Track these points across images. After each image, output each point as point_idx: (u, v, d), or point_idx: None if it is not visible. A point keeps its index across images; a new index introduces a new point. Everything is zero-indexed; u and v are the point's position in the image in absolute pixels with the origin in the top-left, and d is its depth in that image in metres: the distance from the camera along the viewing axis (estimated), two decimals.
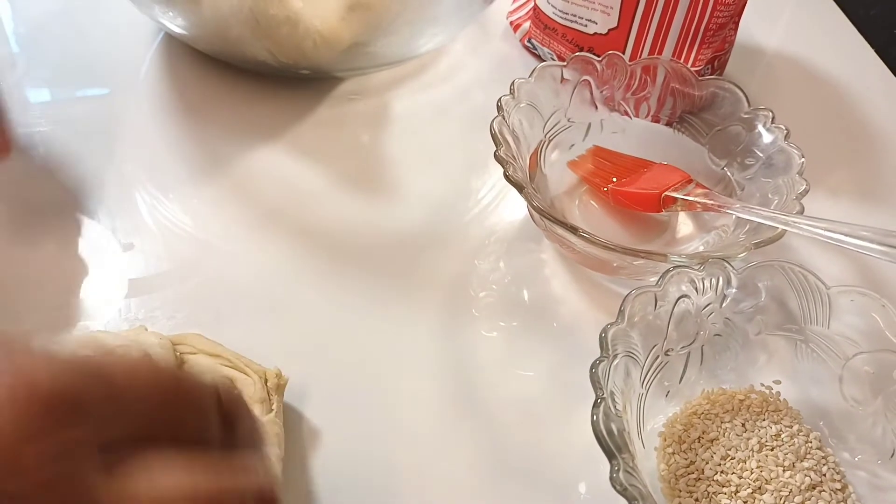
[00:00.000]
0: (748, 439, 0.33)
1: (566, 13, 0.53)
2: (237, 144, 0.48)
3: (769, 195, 0.40)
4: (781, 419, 0.34)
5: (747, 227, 0.39)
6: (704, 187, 0.42)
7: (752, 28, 0.61)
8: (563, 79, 0.44)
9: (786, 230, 0.36)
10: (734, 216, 0.40)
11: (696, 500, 0.32)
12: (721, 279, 0.34)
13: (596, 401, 0.29)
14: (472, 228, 0.44)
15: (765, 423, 0.34)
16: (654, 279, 0.34)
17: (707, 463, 0.32)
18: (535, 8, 0.55)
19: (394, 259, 0.42)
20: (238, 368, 0.32)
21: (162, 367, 0.20)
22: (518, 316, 0.40)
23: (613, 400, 0.30)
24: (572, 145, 0.45)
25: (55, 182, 0.44)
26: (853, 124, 0.55)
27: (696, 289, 0.34)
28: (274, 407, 0.32)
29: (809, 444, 0.33)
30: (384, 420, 0.35)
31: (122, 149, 0.47)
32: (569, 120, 0.45)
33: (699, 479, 0.32)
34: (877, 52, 0.62)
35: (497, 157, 0.38)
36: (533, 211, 0.39)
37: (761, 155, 0.42)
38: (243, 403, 0.22)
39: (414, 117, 0.52)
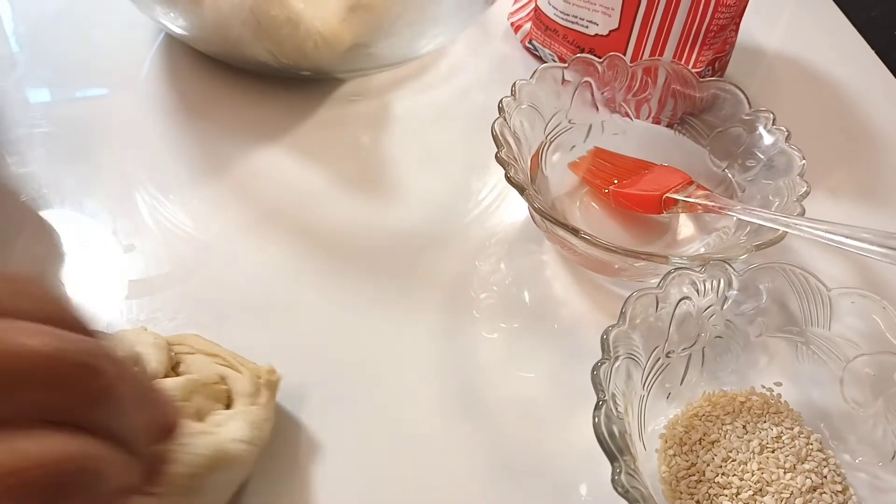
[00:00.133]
0: (749, 441, 0.33)
1: (567, 14, 0.53)
2: (238, 145, 0.48)
3: (770, 197, 0.40)
4: (782, 421, 0.34)
5: (748, 228, 0.39)
6: (705, 189, 0.42)
7: (753, 29, 0.61)
8: (564, 80, 0.44)
9: (787, 232, 0.36)
10: (735, 218, 0.40)
11: (697, 502, 0.32)
12: (722, 281, 0.35)
13: (597, 403, 0.29)
14: (472, 229, 0.44)
15: (766, 425, 0.34)
16: (655, 281, 0.34)
17: (708, 465, 0.32)
18: (536, 9, 0.55)
19: (394, 260, 0.42)
20: (232, 367, 0.33)
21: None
22: (519, 317, 0.40)
23: (615, 402, 0.30)
24: (573, 147, 0.46)
25: (53, 183, 0.44)
26: (854, 126, 0.55)
27: (698, 290, 0.34)
28: (261, 400, 0.32)
29: (810, 446, 0.33)
30: (384, 420, 0.35)
31: (122, 149, 0.47)
32: (570, 121, 0.45)
33: (700, 480, 0.32)
34: (877, 53, 0.62)
35: (498, 159, 0.38)
36: (534, 212, 0.39)
37: (762, 157, 0.42)
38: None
39: (414, 118, 0.52)
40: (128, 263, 0.41)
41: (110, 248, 0.41)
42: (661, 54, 0.51)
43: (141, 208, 0.44)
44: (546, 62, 0.51)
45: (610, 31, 0.51)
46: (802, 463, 0.33)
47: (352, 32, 0.46)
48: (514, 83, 0.42)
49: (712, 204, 0.40)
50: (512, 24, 0.59)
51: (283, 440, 0.34)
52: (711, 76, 0.52)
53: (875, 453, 0.33)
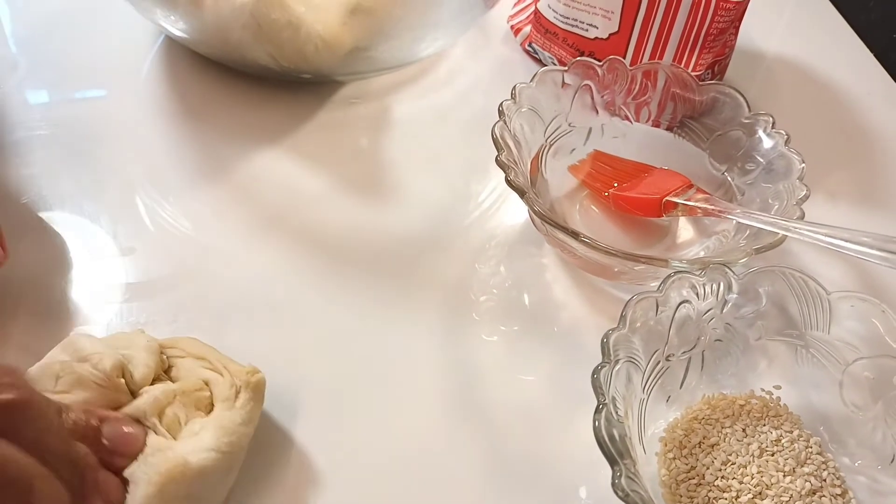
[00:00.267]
0: (749, 444, 0.33)
1: (567, 18, 0.53)
2: (238, 148, 0.48)
3: (769, 200, 0.40)
4: (782, 424, 0.34)
5: (748, 232, 0.39)
6: (705, 192, 0.42)
7: (753, 33, 0.61)
8: (564, 83, 0.44)
9: (786, 236, 0.36)
10: (735, 221, 0.40)
11: None
12: (722, 284, 0.35)
13: (598, 406, 0.29)
14: (472, 232, 0.44)
15: (765, 429, 0.34)
16: (654, 284, 0.34)
17: (708, 468, 0.32)
18: (536, 12, 0.55)
19: (394, 262, 0.42)
20: (217, 370, 0.32)
21: None
22: (519, 320, 0.40)
23: (615, 405, 0.30)
24: (573, 150, 0.46)
25: (52, 185, 0.44)
26: (853, 129, 0.55)
27: (697, 294, 0.34)
28: (237, 403, 0.31)
29: (810, 450, 0.33)
30: (383, 423, 0.35)
31: (122, 152, 0.47)
32: (570, 124, 0.45)
33: (700, 484, 0.32)
34: (876, 56, 0.62)
35: (498, 162, 0.39)
36: (534, 215, 0.39)
37: (762, 160, 0.42)
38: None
39: (415, 121, 0.52)
40: (128, 266, 0.41)
41: (110, 250, 0.41)
42: (660, 58, 0.51)
43: (141, 211, 0.44)
44: (546, 65, 0.51)
45: (610, 35, 0.51)
46: (802, 466, 0.33)
47: (352, 36, 0.46)
48: (515, 86, 0.42)
49: (712, 207, 0.40)
50: (512, 27, 0.60)
51: (278, 442, 0.34)
52: (711, 79, 0.52)
53: (874, 457, 0.33)
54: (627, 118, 0.46)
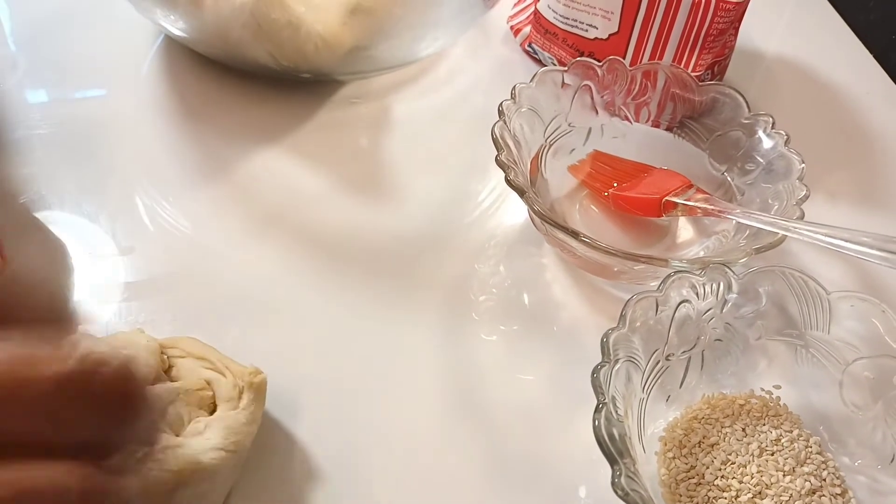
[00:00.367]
0: (748, 444, 0.33)
1: (567, 18, 0.53)
2: (238, 147, 0.48)
3: (769, 200, 0.40)
4: (781, 424, 0.34)
5: (747, 232, 0.39)
6: (705, 192, 0.42)
7: (752, 33, 0.61)
8: (563, 83, 0.44)
9: (786, 235, 0.36)
10: (734, 221, 0.40)
11: None
12: (722, 284, 0.35)
13: (598, 406, 0.29)
14: (472, 232, 0.44)
15: (765, 428, 0.34)
16: (654, 284, 0.34)
17: (707, 468, 0.32)
18: (536, 12, 0.55)
19: (394, 262, 0.42)
20: (219, 370, 0.32)
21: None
22: (518, 320, 0.40)
23: (615, 405, 0.30)
24: (573, 150, 0.46)
25: (52, 185, 0.44)
26: (853, 129, 0.55)
27: (697, 294, 0.34)
28: (241, 404, 0.31)
29: (809, 449, 0.33)
30: (383, 422, 0.35)
31: (121, 151, 0.47)
32: (569, 125, 0.45)
33: (699, 483, 0.32)
34: (876, 57, 0.62)
35: (498, 162, 0.39)
36: (534, 215, 0.39)
37: (761, 160, 0.42)
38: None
39: (414, 121, 0.52)
40: (127, 265, 0.41)
41: (109, 249, 0.41)
42: (660, 58, 0.51)
43: (140, 210, 0.44)
44: (546, 66, 0.51)
45: (609, 35, 0.51)
46: (801, 466, 0.33)
47: (352, 35, 0.46)
48: (514, 86, 0.42)
49: (712, 207, 0.40)
50: (511, 27, 0.60)
51: (279, 441, 0.34)
52: (711, 80, 0.52)
53: (874, 456, 0.33)
54: (627, 118, 0.46)
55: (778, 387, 0.36)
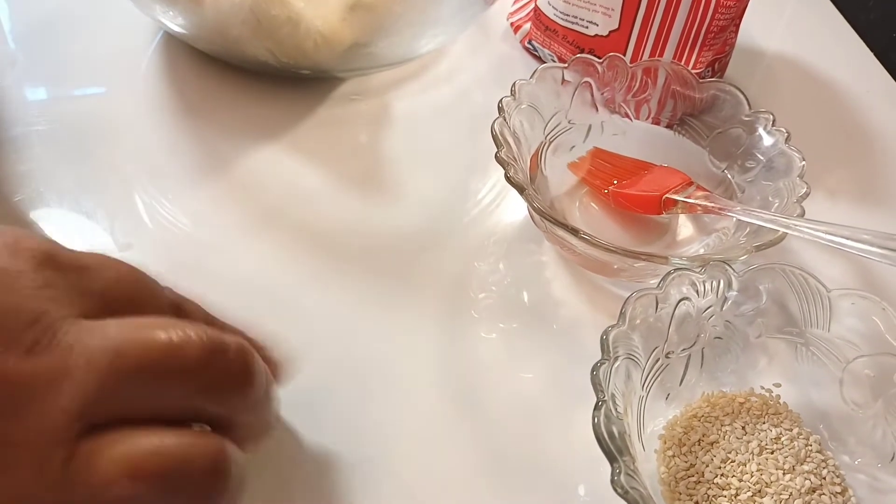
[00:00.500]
0: (748, 442, 0.33)
1: (567, 15, 0.53)
2: (237, 144, 0.48)
3: (770, 198, 0.40)
4: (781, 422, 0.34)
5: (748, 229, 0.39)
6: (705, 190, 0.42)
7: (753, 31, 0.61)
8: (563, 80, 0.44)
9: (787, 233, 0.36)
10: (735, 219, 0.40)
11: (696, 503, 0.32)
12: (722, 282, 0.34)
13: (597, 403, 0.29)
14: (471, 229, 0.44)
15: (765, 426, 0.34)
16: (654, 281, 0.34)
17: (707, 466, 0.32)
18: (536, 9, 0.55)
19: (393, 260, 0.42)
20: None
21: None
22: (518, 318, 0.40)
23: (614, 402, 0.29)
24: (573, 147, 0.45)
25: (50, 181, 0.44)
26: (853, 127, 0.55)
27: (697, 291, 0.34)
28: None
29: (809, 448, 0.33)
30: (382, 421, 0.35)
31: (120, 148, 0.47)
32: (569, 121, 0.45)
33: (699, 481, 0.32)
34: (877, 56, 0.62)
35: (498, 159, 0.38)
36: (533, 212, 0.39)
37: (762, 158, 0.42)
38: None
39: (414, 118, 0.52)
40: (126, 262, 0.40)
41: (108, 246, 0.41)
42: (660, 55, 0.51)
43: (139, 207, 0.43)
44: (545, 62, 0.51)
45: (610, 32, 0.51)
46: (801, 464, 0.32)
47: (352, 32, 0.46)
48: (514, 83, 0.42)
49: (712, 205, 0.40)
50: (511, 24, 0.59)
51: (279, 437, 0.34)
52: (711, 77, 0.52)
53: (874, 455, 0.33)
54: (627, 115, 0.46)
55: (778, 385, 0.36)
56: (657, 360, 0.34)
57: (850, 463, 0.33)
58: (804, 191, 0.39)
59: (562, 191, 0.45)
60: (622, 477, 0.27)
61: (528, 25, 0.57)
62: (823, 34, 0.64)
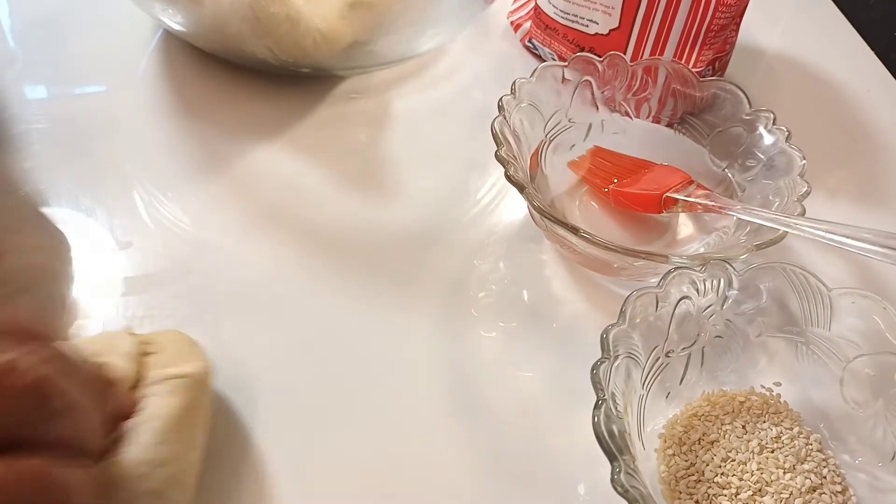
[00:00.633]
0: (748, 441, 0.33)
1: (567, 13, 0.53)
2: (236, 143, 0.48)
3: (770, 197, 0.40)
4: (782, 421, 0.34)
5: (748, 228, 0.39)
6: (705, 188, 0.42)
7: (753, 29, 0.60)
8: (564, 79, 0.44)
9: (787, 232, 0.36)
10: (735, 218, 0.40)
11: (697, 502, 0.32)
12: (722, 281, 0.34)
13: (597, 402, 0.29)
14: (471, 228, 0.44)
15: (765, 425, 0.34)
16: (654, 280, 0.33)
17: (707, 465, 0.32)
18: (536, 8, 0.55)
19: (393, 258, 0.42)
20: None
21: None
22: (518, 316, 0.40)
23: (614, 401, 0.29)
24: (573, 146, 0.45)
25: (50, 180, 0.44)
26: (854, 126, 0.55)
27: (698, 290, 0.34)
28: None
29: (810, 447, 0.33)
30: (381, 420, 0.35)
31: (120, 147, 0.47)
32: (570, 120, 0.45)
33: (699, 480, 0.32)
34: (877, 54, 0.62)
35: (498, 157, 0.38)
36: (533, 211, 0.39)
37: (762, 156, 0.42)
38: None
39: (414, 116, 0.51)
40: (125, 260, 0.40)
41: (107, 245, 0.41)
42: (661, 53, 0.51)
43: (138, 205, 0.43)
44: (546, 61, 0.51)
45: (610, 30, 0.51)
46: (802, 463, 0.32)
47: (352, 30, 0.46)
48: (514, 81, 0.42)
49: (712, 203, 0.40)
50: (512, 22, 0.59)
51: (281, 434, 0.34)
52: (712, 76, 0.52)
53: (875, 454, 0.33)
54: (628, 114, 0.46)
55: (778, 384, 0.36)
56: (657, 359, 0.34)
57: (851, 462, 0.33)
58: (805, 189, 0.39)
59: (562, 189, 0.45)
60: (622, 476, 0.27)
61: (528, 24, 0.57)
62: (824, 33, 0.64)
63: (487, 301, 0.40)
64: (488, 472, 0.34)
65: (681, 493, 0.32)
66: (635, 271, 0.39)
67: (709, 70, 0.52)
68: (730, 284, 0.35)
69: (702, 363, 0.36)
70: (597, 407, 0.28)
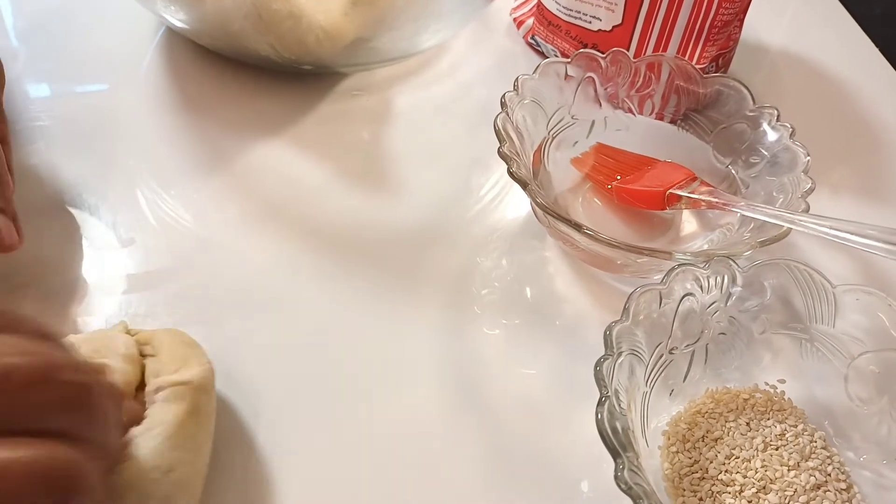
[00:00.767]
0: (752, 438, 0.33)
1: (570, 10, 0.52)
2: (239, 140, 0.48)
3: (774, 193, 0.40)
4: (786, 418, 0.34)
5: (752, 225, 0.39)
6: (709, 185, 0.42)
7: (757, 25, 0.60)
8: (567, 75, 0.44)
9: (791, 228, 0.36)
10: (739, 214, 0.40)
11: (700, 499, 0.31)
12: (726, 277, 0.34)
13: (601, 399, 0.28)
14: (474, 225, 0.44)
15: (769, 423, 0.34)
16: (658, 277, 0.33)
17: (711, 462, 0.32)
18: (539, 4, 0.55)
19: (396, 255, 0.42)
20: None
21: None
22: (521, 313, 0.40)
23: (618, 398, 0.29)
24: (576, 142, 0.45)
25: (53, 177, 0.44)
26: (857, 122, 0.55)
27: (701, 287, 0.34)
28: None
29: (814, 444, 0.33)
30: (384, 418, 0.35)
31: (123, 144, 0.47)
32: (573, 117, 0.45)
33: (703, 478, 0.32)
34: (881, 50, 0.61)
35: (501, 154, 0.38)
36: (536, 208, 0.39)
37: (766, 153, 0.42)
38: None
39: (417, 113, 0.51)
40: (127, 258, 0.40)
41: (110, 242, 0.41)
42: (664, 50, 0.51)
43: (141, 202, 0.43)
44: (548, 58, 0.51)
45: (613, 27, 0.51)
46: (806, 460, 0.32)
47: (354, 26, 0.46)
48: (517, 78, 0.42)
49: (716, 200, 0.40)
50: (514, 19, 0.59)
51: (281, 430, 0.34)
52: (715, 72, 0.52)
53: (879, 451, 0.33)
54: (631, 111, 0.46)
55: (782, 381, 0.36)
56: (661, 356, 0.34)
57: (855, 459, 0.33)
58: (809, 186, 0.38)
59: (565, 186, 0.44)
60: (626, 473, 0.26)
61: (531, 21, 0.57)
62: (828, 29, 0.64)
63: (490, 298, 0.40)
64: (491, 468, 0.34)
65: (684, 490, 0.32)
66: (639, 268, 0.39)
67: (712, 66, 0.52)
68: (733, 281, 0.34)
69: (705, 360, 0.35)
70: (600, 404, 0.28)
